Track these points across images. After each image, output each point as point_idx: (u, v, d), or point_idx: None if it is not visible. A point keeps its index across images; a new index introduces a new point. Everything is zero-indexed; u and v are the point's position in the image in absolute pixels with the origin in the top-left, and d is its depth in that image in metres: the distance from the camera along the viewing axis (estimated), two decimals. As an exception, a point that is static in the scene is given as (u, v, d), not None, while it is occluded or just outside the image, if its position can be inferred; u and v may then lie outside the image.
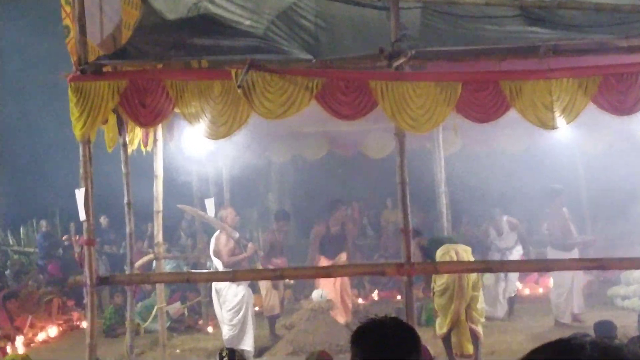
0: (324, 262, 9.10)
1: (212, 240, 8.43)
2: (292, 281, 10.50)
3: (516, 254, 9.73)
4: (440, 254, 7.15)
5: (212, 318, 9.41)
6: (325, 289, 8.92)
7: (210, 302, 9.02)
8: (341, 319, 9.00)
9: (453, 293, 7.04)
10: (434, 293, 7.26)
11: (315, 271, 6.34)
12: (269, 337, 9.17)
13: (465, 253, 7.18)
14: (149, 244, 12.14)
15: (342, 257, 9.23)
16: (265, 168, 15.27)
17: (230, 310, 8.22)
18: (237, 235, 8.37)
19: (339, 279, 9.00)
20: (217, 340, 9.02)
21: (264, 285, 9.19)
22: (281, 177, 16.13)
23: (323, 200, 15.50)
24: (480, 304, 7.23)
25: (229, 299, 8.24)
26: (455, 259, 7.01)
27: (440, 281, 7.14)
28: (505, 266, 7.43)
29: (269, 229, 9.85)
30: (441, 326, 7.20)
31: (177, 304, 10.74)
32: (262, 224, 13.12)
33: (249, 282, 8.46)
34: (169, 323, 9.64)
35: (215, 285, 8.37)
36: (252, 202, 15.72)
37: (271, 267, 8.72)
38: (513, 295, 9.90)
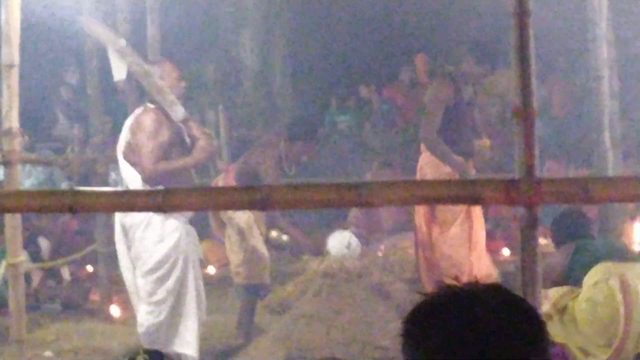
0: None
1: (126, 125, 8.47)
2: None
3: None
4: (591, 279, 7.39)
5: (119, 289, 9.74)
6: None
7: (113, 255, 9.05)
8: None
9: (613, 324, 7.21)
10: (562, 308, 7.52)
11: (337, 192, 6.38)
12: (240, 329, 9.44)
13: None
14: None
15: (485, 143, 9.65)
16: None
17: (148, 272, 8.22)
18: (181, 114, 8.42)
19: None
20: (129, 335, 9.26)
21: (235, 224, 9.46)
22: None
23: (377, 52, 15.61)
24: None
25: (148, 249, 8.21)
26: (616, 294, 7.14)
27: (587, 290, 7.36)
28: None
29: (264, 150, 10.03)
30: None
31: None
32: (226, 94, 13.26)
33: (191, 215, 8.49)
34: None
35: (121, 218, 8.36)
36: (206, 49, 15.76)
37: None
38: None
